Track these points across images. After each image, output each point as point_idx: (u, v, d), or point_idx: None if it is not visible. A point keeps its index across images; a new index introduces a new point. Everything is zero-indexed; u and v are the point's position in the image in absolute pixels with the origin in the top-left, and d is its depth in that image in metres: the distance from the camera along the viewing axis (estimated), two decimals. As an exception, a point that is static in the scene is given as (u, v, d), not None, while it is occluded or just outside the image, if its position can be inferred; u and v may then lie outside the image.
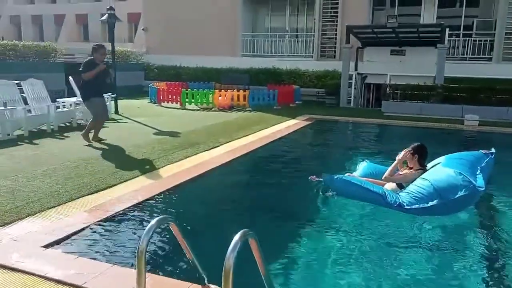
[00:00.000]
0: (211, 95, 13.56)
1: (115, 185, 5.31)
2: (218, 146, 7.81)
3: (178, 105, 13.96)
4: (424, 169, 5.12)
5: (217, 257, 2.43)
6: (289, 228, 4.40)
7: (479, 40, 15.32)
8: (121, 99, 12.25)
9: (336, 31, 17.16)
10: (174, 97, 14.07)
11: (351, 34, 14.56)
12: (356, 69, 15.55)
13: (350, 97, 14.94)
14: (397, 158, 5.28)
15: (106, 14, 11.30)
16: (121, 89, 13.81)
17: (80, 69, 7.31)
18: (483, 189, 4.65)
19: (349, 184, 4.89)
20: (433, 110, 12.69)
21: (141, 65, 20.01)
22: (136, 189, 5.17)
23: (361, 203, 4.85)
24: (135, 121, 10.77)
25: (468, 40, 15.59)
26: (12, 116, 8.15)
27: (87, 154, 6.82)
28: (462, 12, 16.12)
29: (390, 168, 5.22)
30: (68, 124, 9.76)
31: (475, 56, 15.33)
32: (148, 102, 15.20)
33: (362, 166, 5.83)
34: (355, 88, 15.14)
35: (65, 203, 4.62)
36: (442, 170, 4.90)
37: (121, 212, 4.43)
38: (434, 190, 4.52)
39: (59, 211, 4.37)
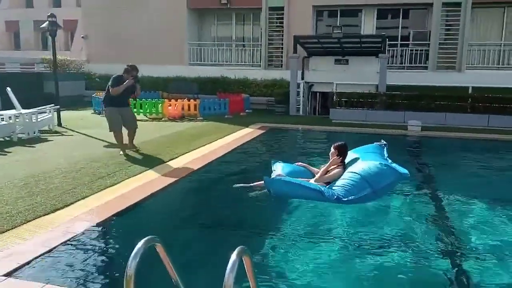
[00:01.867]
0: (160, 104, 13.22)
1: (72, 203, 4.98)
2: (176, 157, 7.60)
3: (125, 116, 13.44)
4: (344, 165, 5.59)
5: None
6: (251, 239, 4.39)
7: (415, 50, 16.27)
8: (62, 110, 11.57)
9: (282, 41, 17.45)
10: (121, 107, 13.53)
11: (298, 44, 14.88)
12: (302, 78, 15.87)
13: (299, 105, 15.23)
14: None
15: (47, 21, 10.65)
16: (61, 100, 13.01)
17: (109, 84, 7.60)
18: (409, 175, 5.33)
19: (290, 184, 5.22)
20: (378, 117, 13.26)
21: (82, 75, 19.10)
22: (96, 206, 4.88)
23: (300, 201, 5.18)
24: (81, 133, 10.21)
25: (406, 50, 16.50)
26: None
27: (36, 171, 6.34)
28: (399, 23, 17.05)
29: (322, 169, 5.58)
30: (7, 138, 9.04)
31: (412, 65, 16.25)
32: (92, 113, 14.51)
33: (280, 167, 6.01)
34: (303, 97, 15.46)
35: (20, 225, 4.26)
36: (366, 163, 5.39)
37: (83, 233, 4.15)
38: (365, 181, 5.08)
39: (15, 235, 4.02)
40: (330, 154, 5.67)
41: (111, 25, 19.08)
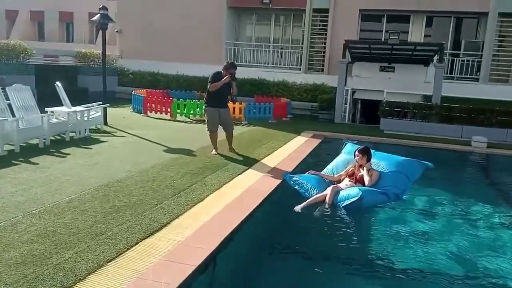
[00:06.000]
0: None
1: (168, 223, 4.37)
2: (248, 168, 6.99)
3: (166, 116, 12.89)
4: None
5: None
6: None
7: (466, 61, 15.56)
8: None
9: (324, 44, 16.81)
10: (163, 107, 12.99)
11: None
12: (345, 84, 15.22)
13: (345, 112, 14.57)
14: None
15: (98, 15, 10.09)
16: (93, 95, 12.44)
17: (208, 80, 7.60)
18: (433, 166, 6.29)
19: (376, 193, 5.59)
20: (432, 130, 12.52)
21: (115, 70, 18.56)
22: (198, 229, 4.26)
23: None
24: (131, 134, 9.64)
25: (456, 60, 15.79)
26: (2, 129, 6.81)
27: (107, 178, 5.76)
28: (448, 32, 16.33)
29: (366, 178, 5.76)
30: (58, 137, 8.50)
31: (463, 76, 15.54)
32: (131, 112, 13.97)
33: (303, 179, 5.97)
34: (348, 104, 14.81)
35: (124, 252, 3.64)
36: (397, 160, 6.16)
37: (204, 264, 3.53)
38: (406, 177, 5.96)
39: (126, 265, 3.39)
40: (356, 159, 5.96)
41: (146, 21, 18.59)
